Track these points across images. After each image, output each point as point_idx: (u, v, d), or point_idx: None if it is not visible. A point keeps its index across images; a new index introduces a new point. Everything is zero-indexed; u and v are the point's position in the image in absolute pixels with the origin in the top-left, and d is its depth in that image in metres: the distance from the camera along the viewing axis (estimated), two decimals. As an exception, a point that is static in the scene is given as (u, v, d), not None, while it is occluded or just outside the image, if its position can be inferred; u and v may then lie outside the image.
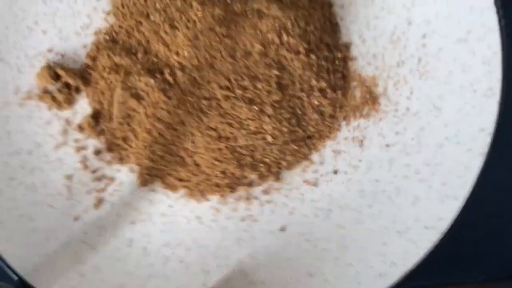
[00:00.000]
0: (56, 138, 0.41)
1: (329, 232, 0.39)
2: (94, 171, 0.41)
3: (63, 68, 0.41)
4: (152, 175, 0.41)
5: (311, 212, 0.40)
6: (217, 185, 0.40)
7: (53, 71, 0.41)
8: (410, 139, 0.40)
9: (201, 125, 0.39)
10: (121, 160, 0.41)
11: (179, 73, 0.39)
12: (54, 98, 0.41)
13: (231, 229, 0.40)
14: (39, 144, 0.41)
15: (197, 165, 0.40)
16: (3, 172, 0.40)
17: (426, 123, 0.39)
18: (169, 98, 0.39)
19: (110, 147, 0.41)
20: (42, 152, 0.41)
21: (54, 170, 0.41)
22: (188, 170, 0.40)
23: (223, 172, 0.40)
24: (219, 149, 0.39)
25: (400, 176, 0.39)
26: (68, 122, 0.41)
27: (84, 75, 0.42)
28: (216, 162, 0.40)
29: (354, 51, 0.42)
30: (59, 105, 0.41)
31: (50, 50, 0.42)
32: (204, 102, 0.39)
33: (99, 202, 0.40)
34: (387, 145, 0.40)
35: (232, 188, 0.41)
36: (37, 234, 0.39)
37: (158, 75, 0.40)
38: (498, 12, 0.38)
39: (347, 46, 0.42)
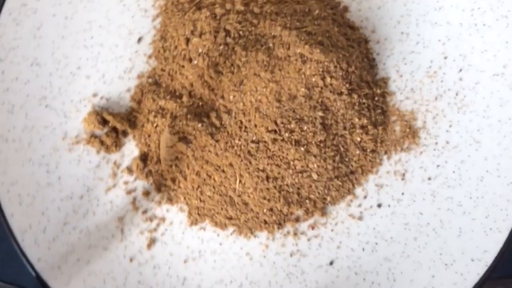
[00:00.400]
0: (106, 181, 0.42)
1: (377, 265, 0.40)
2: (144, 212, 0.42)
3: (110, 112, 0.42)
4: (201, 214, 0.42)
5: (357, 245, 0.41)
6: (265, 222, 0.42)
7: (100, 116, 0.42)
8: (451, 172, 0.41)
9: (249, 167, 0.40)
10: (170, 200, 0.42)
11: (225, 117, 0.40)
12: (102, 142, 0.42)
13: (280, 264, 0.41)
14: (90, 188, 0.42)
15: (245, 203, 0.41)
16: (57, 218, 0.41)
17: (467, 156, 0.41)
18: (217, 141, 0.40)
19: (159, 188, 0.42)
20: (93, 195, 0.42)
21: (106, 213, 0.42)
22: (236, 208, 0.41)
23: (270, 210, 0.41)
24: (267, 189, 0.41)
25: (444, 209, 0.40)
26: (116, 164, 0.42)
27: (130, 118, 0.43)
28: (264, 201, 0.41)
29: (392, 86, 0.43)
30: (107, 149, 0.42)
31: (95, 95, 0.42)
32: (252, 145, 0.40)
33: (152, 242, 0.42)
34: (429, 178, 0.41)
35: (279, 224, 0.42)
36: (94, 277, 0.40)
37: (204, 119, 0.41)
38: (534, 47, 0.39)
39: (385, 81, 0.43)
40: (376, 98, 0.42)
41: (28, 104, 0.41)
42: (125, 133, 0.42)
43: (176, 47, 0.42)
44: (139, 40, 0.43)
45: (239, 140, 0.40)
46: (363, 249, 0.41)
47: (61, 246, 0.40)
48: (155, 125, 0.42)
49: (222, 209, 0.42)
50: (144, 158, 0.42)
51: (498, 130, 0.40)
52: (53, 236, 0.40)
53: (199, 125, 0.40)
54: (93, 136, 0.42)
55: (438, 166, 0.41)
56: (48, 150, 0.41)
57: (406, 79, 0.43)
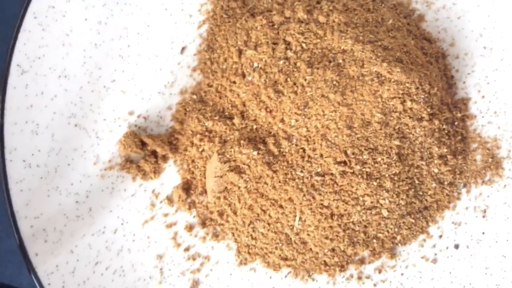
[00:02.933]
0: (143, 213, 0.37)
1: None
2: (187, 249, 0.37)
3: (148, 134, 0.37)
4: (252, 253, 0.37)
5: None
6: (325, 264, 0.37)
7: (138, 138, 0.36)
8: (541, 210, 0.36)
9: (312, 203, 0.35)
10: (217, 236, 0.37)
11: (285, 144, 0.35)
12: (139, 168, 0.37)
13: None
14: (125, 220, 0.37)
15: (303, 243, 0.36)
16: (87, 256, 0.36)
17: (558, 191, 0.36)
18: (275, 172, 0.35)
19: (204, 222, 0.37)
20: (128, 229, 0.37)
21: (143, 250, 0.37)
22: (293, 248, 0.36)
23: (332, 250, 0.36)
24: (330, 227, 0.35)
25: (536, 250, 0.35)
26: (155, 194, 0.37)
27: (171, 141, 0.37)
28: (326, 240, 0.36)
29: (473, 108, 0.38)
30: (144, 175, 0.37)
31: (131, 113, 0.37)
32: (317, 178, 0.34)
33: (195, 284, 0.37)
34: (515, 217, 0.36)
35: (342, 266, 0.37)
36: (131, 326, 0.35)
37: (261, 146, 0.35)
38: None
39: (465, 103, 0.38)
40: (456, 123, 0.37)
41: (55, 123, 0.36)
42: (165, 158, 0.37)
43: (226, 60, 0.37)
44: (183, 50, 0.38)
45: (302, 171, 0.35)
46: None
47: (92, 290, 0.35)
48: (200, 149, 0.37)
49: (276, 248, 0.37)
50: (187, 187, 0.37)
51: None
52: (84, 278, 0.35)
53: (254, 152, 0.35)
54: (129, 161, 0.37)
55: (525, 202, 0.36)
56: (77, 177, 0.37)
57: (489, 101, 0.38)
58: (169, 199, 0.37)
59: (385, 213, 0.36)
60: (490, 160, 0.37)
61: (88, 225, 0.36)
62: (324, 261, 0.37)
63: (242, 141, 0.36)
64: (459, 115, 0.37)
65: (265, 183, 0.35)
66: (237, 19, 0.37)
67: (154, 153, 0.37)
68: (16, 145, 0.35)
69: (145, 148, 0.37)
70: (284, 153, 0.35)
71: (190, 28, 0.38)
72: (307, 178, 0.35)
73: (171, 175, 0.38)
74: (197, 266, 0.37)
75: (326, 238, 0.36)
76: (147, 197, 0.37)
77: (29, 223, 0.35)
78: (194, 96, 0.37)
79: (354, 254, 0.37)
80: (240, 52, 0.36)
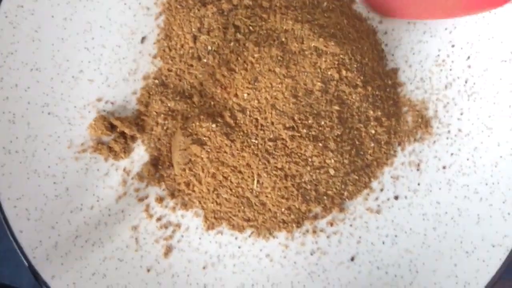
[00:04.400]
0: (116, 189, 0.40)
1: (398, 258, 0.40)
2: (159, 219, 0.40)
3: (117, 117, 0.40)
4: (218, 217, 0.41)
5: (377, 239, 0.41)
6: (284, 222, 0.41)
7: (107, 121, 0.40)
8: (465, 159, 0.41)
9: (267, 166, 0.39)
10: (185, 205, 0.41)
11: (240, 116, 0.39)
12: (110, 149, 0.40)
13: (301, 264, 0.41)
14: (100, 197, 0.40)
15: (263, 204, 0.40)
16: (67, 231, 0.39)
17: (479, 143, 0.41)
18: (232, 141, 0.39)
19: (172, 194, 0.41)
20: (103, 205, 0.40)
21: (118, 223, 0.40)
22: (254, 210, 0.40)
23: (289, 209, 0.40)
24: (285, 187, 0.40)
25: (460, 197, 0.41)
26: (126, 171, 0.41)
27: (138, 122, 0.41)
28: (282, 200, 0.40)
29: (402, 77, 0.43)
30: (116, 155, 0.40)
31: (99, 99, 0.41)
32: (270, 143, 0.39)
33: (169, 250, 0.40)
34: (444, 167, 0.41)
35: (298, 223, 0.41)
36: (112, 291, 0.38)
37: (218, 119, 0.39)
38: (541, 32, 0.40)
39: (395, 72, 0.43)
40: (388, 89, 0.42)
41: (30, 112, 0.39)
42: (133, 138, 0.41)
43: (182, 46, 0.41)
44: (143, 39, 0.41)
45: (256, 139, 0.39)
46: (383, 243, 0.41)
47: (74, 261, 0.38)
48: (165, 127, 0.40)
49: (239, 211, 0.40)
50: (155, 163, 0.41)
51: (509, 115, 0.41)
52: (65, 251, 0.38)
53: (213, 125, 0.39)
54: (100, 143, 0.40)
55: (452, 154, 0.41)
56: (53, 160, 0.39)
57: (416, 69, 0.43)
58: (140, 176, 0.41)
59: (331, 171, 0.40)
60: (419, 120, 0.42)
61: (66, 203, 0.39)
62: (282, 219, 0.41)
63: (201, 116, 0.39)
64: (390, 82, 0.42)
65: (225, 152, 0.39)
66: (190, 9, 0.40)
67: (123, 134, 0.40)
68: (-5, 134, 0.38)
69: (114, 130, 0.40)
70: (239, 124, 0.39)
71: (148, 20, 0.41)
72: (261, 144, 0.39)
73: (139, 153, 0.41)
74: (169, 234, 0.41)
75: (282, 197, 0.40)
76: (119, 175, 0.40)
77: (12, 204, 0.38)
78: (156, 81, 0.41)
79: (308, 211, 0.41)
80: (194, 38, 0.40)
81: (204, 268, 0.40)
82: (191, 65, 0.40)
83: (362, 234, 0.41)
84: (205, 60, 0.40)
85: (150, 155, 0.41)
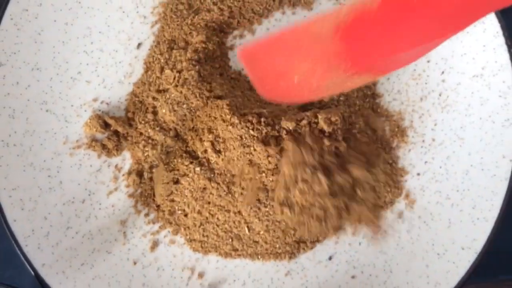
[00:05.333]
0: (108, 185, 0.42)
1: (373, 258, 0.42)
2: (147, 215, 0.42)
3: (111, 116, 0.42)
4: (204, 247, 0.42)
5: (354, 240, 0.43)
6: (277, 253, 0.42)
7: (102, 120, 0.42)
8: (438, 167, 0.44)
9: (258, 213, 0.40)
10: (171, 230, 0.42)
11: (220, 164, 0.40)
12: (103, 146, 0.42)
13: (281, 262, 0.42)
14: (92, 192, 0.42)
15: (255, 242, 0.42)
16: (59, 222, 0.41)
17: (452, 152, 0.44)
18: (218, 184, 0.40)
19: (159, 205, 0.42)
20: (95, 199, 0.42)
21: (108, 217, 0.42)
22: (244, 243, 0.42)
23: (281, 244, 0.42)
24: (280, 228, 0.41)
25: (433, 202, 0.43)
26: (118, 168, 0.43)
27: (130, 122, 0.43)
28: (276, 239, 0.42)
29: (380, 88, 0.46)
30: (108, 153, 0.42)
31: (95, 99, 0.43)
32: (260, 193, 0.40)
33: (155, 244, 0.42)
34: (418, 174, 0.44)
35: (292, 254, 0.42)
36: (99, 281, 0.40)
37: (201, 160, 0.41)
38: (509, 50, 0.43)
39: (374, 84, 0.46)
40: (367, 99, 0.45)
41: (29, 109, 0.41)
42: (126, 137, 0.43)
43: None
44: (139, 45, 0.44)
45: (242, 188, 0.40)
46: (360, 244, 0.43)
47: (64, 251, 0.40)
48: (145, 154, 0.42)
49: (227, 243, 0.42)
50: (140, 173, 0.42)
51: (479, 127, 0.43)
52: (56, 240, 0.40)
53: (197, 168, 0.40)
54: (94, 140, 0.42)
55: (426, 162, 0.44)
56: (49, 154, 0.41)
57: (393, 82, 0.45)
58: (129, 174, 0.43)
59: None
60: (396, 129, 0.45)
61: (59, 196, 0.41)
62: (275, 252, 0.42)
63: (183, 154, 0.41)
64: (369, 93, 0.45)
65: (211, 193, 0.41)
66: (184, 18, 0.44)
67: (116, 133, 0.42)
68: (-5, 127, 0.40)
69: (108, 129, 0.42)
70: (222, 171, 0.40)
71: (145, 28, 0.44)
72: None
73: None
74: (156, 229, 0.42)
75: (276, 237, 0.41)
76: (110, 171, 0.42)
77: (8, 194, 0.40)
78: (137, 99, 0.43)
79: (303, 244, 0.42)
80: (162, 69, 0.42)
81: (188, 262, 0.42)
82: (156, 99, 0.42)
83: (340, 235, 0.43)
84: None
85: (133, 164, 0.43)
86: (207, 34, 0.41)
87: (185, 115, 0.41)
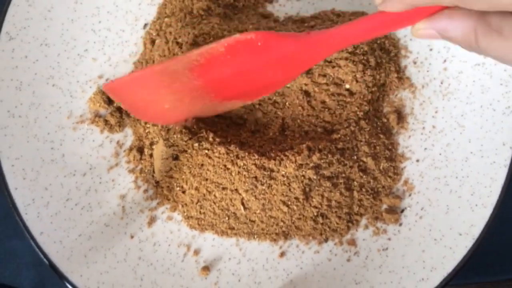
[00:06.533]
0: (109, 160, 0.43)
1: (370, 242, 0.42)
2: (146, 191, 0.43)
3: (115, 93, 0.43)
4: (201, 225, 0.42)
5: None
6: (273, 233, 0.42)
7: (106, 96, 0.43)
8: (438, 154, 0.44)
9: (255, 191, 0.41)
10: (169, 207, 0.43)
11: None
12: (106, 122, 0.43)
13: (279, 243, 0.43)
14: (93, 166, 0.43)
15: (251, 221, 0.42)
16: (59, 194, 0.41)
17: (452, 139, 0.44)
18: (215, 161, 0.41)
19: (157, 195, 0.43)
20: (95, 173, 0.43)
21: (108, 191, 0.42)
22: (240, 222, 0.42)
23: (278, 224, 0.42)
24: (276, 208, 0.41)
25: (432, 188, 0.43)
26: (119, 144, 0.44)
27: (134, 99, 0.44)
28: (272, 219, 0.42)
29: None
30: (111, 128, 0.43)
31: (100, 76, 0.44)
32: (257, 170, 0.40)
33: (152, 220, 0.42)
34: (417, 160, 0.44)
35: (288, 235, 0.43)
36: (96, 252, 0.41)
37: (200, 134, 0.41)
38: (512, 39, 0.43)
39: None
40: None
41: (36, 82, 0.42)
42: (128, 114, 0.44)
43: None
44: (145, 26, 0.45)
45: (242, 160, 0.40)
46: (356, 229, 0.43)
47: (63, 221, 0.41)
48: (146, 131, 0.43)
49: (223, 222, 0.42)
50: (140, 150, 0.43)
51: (480, 114, 0.43)
52: (56, 211, 0.41)
53: (196, 144, 0.41)
54: (98, 116, 0.43)
55: (425, 149, 0.44)
56: (53, 127, 0.42)
57: (395, 70, 0.46)
58: (130, 150, 0.44)
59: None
60: (397, 116, 0.45)
61: (61, 168, 0.42)
62: (272, 231, 0.42)
63: (183, 129, 0.41)
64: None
65: (208, 169, 0.41)
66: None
67: (119, 109, 0.43)
68: (2, 98, 0.41)
69: (112, 105, 0.43)
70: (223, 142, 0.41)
71: (152, 9, 0.45)
72: (247, 170, 0.40)
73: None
74: (154, 205, 0.43)
75: (272, 217, 0.41)
76: (112, 147, 0.43)
77: (11, 163, 0.41)
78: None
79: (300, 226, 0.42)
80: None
81: (185, 238, 0.42)
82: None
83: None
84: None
85: (134, 140, 0.43)
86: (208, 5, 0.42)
87: None
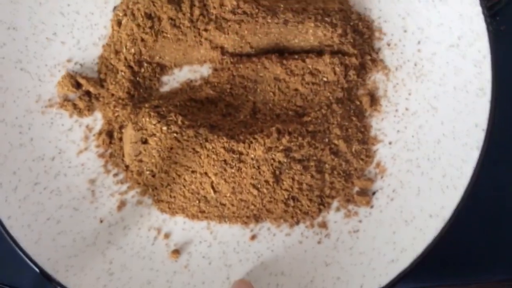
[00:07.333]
0: (78, 144, 0.43)
1: (341, 224, 0.42)
2: (116, 175, 0.43)
3: (83, 76, 0.43)
4: (172, 208, 0.42)
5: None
6: (243, 216, 0.42)
7: (74, 80, 0.43)
8: (410, 136, 0.43)
9: (224, 174, 0.40)
10: (138, 190, 0.43)
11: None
12: (75, 106, 0.43)
13: (250, 226, 0.42)
14: (62, 150, 0.42)
15: (222, 204, 0.42)
16: (28, 178, 0.41)
17: (424, 121, 0.43)
18: (184, 144, 0.41)
19: (127, 179, 0.43)
20: (65, 157, 0.42)
21: (77, 175, 0.42)
22: (211, 205, 0.42)
23: (248, 207, 0.42)
24: (246, 191, 0.41)
25: (403, 171, 0.43)
26: (89, 128, 0.43)
27: (102, 84, 0.44)
28: (242, 202, 0.42)
29: (356, 57, 0.46)
30: (80, 112, 0.43)
31: (69, 60, 0.44)
32: (226, 153, 0.40)
33: (122, 204, 0.42)
34: (390, 143, 0.43)
35: (259, 217, 0.42)
36: (64, 236, 0.40)
37: (169, 117, 0.41)
38: (486, 19, 0.43)
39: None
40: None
41: (3, 67, 0.42)
42: (97, 98, 0.43)
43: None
44: (114, 8, 0.44)
45: (211, 143, 0.40)
46: (327, 211, 0.43)
47: (31, 205, 0.41)
48: (115, 115, 0.42)
49: (194, 205, 0.42)
50: (110, 133, 0.43)
51: (453, 96, 0.43)
52: (24, 195, 0.41)
53: (164, 128, 0.40)
54: (66, 100, 0.43)
55: (398, 131, 0.44)
56: (21, 112, 0.42)
57: (369, 52, 0.45)
58: (100, 134, 0.44)
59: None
60: (370, 98, 0.45)
61: (30, 152, 0.42)
62: (242, 215, 0.42)
63: (151, 113, 0.41)
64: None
65: (177, 153, 0.41)
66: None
67: (88, 93, 0.43)
68: (-32, 83, 0.41)
69: (80, 89, 0.43)
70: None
71: (121, -9, 0.45)
72: (216, 153, 0.40)
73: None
74: (124, 189, 0.43)
75: (243, 200, 0.41)
76: (81, 131, 0.43)
77: (-22, 147, 0.41)
78: (110, 61, 0.43)
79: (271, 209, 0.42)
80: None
81: (155, 222, 0.42)
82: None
83: (308, 202, 0.43)
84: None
85: (104, 124, 0.43)
86: None
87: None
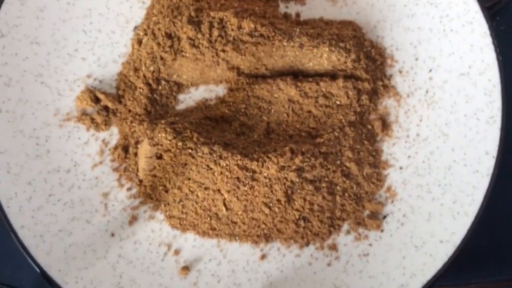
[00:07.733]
0: (93, 158, 0.43)
1: (351, 248, 0.42)
2: (129, 189, 0.43)
3: (102, 91, 0.44)
4: (182, 225, 0.42)
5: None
6: (254, 235, 0.42)
7: (93, 94, 0.44)
8: (421, 162, 0.44)
9: (237, 192, 0.41)
10: (151, 206, 0.43)
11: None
12: (92, 120, 0.44)
13: (260, 246, 0.42)
14: (77, 163, 0.43)
15: (233, 222, 0.42)
16: (42, 189, 0.42)
17: (435, 147, 0.44)
18: (198, 161, 0.41)
19: (140, 194, 0.43)
20: (79, 170, 0.43)
21: (91, 188, 0.43)
22: (222, 223, 0.42)
23: (259, 226, 0.42)
24: (258, 210, 0.42)
25: (414, 196, 0.43)
26: (105, 142, 0.44)
27: (120, 100, 0.45)
28: (253, 221, 0.42)
29: (368, 83, 0.46)
30: (97, 127, 0.44)
31: (89, 76, 0.45)
32: (239, 170, 0.41)
33: (134, 219, 0.43)
34: (401, 168, 0.44)
35: (269, 237, 0.42)
36: (75, 248, 0.41)
37: (184, 134, 0.41)
38: (496, 50, 0.44)
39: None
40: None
41: (25, 79, 0.43)
42: (115, 113, 0.44)
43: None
44: (135, 28, 0.46)
45: (225, 161, 0.41)
46: (338, 234, 0.43)
47: (44, 216, 0.41)
48: (132, 130, 0.43)
49: (205, 222, 0.42)
50: (125, 148, 0.43)
51: (464, 123, 0.43)
52: (38, 205, 0.41)
53: (180, 144, 0.41)
54: (84, 114, 0.44)
55: (409, 156, 0.44)
56: (39, 124, 0.43)
57: (381, 78, 0.46)
58: (115, 148, 0.44)
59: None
60: (381, 123, 0.46)
61: (45, 164, 0.42)
62: (253, 233, 0.42)
63: (168, 129, 0.41)
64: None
65: (191, 169, 0.41)
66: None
67: (106, 108, 0.44)
68: (-9, 93, 0.42)
69: (99, 104, 0.44)
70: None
71: (142, 12, 0.46)
72: (229, 170, 0.41)
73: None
74: (137, 204, 0.43)
75: (254, 219, 0.42)
76: (97, 145, 0.44)
77: (-5, 156, 0.41)
78: (128, 79, 0.44)
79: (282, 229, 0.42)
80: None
81: (166, 238, 0.42)
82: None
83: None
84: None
85: (120, 139, 0.44)
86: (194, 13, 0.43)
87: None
